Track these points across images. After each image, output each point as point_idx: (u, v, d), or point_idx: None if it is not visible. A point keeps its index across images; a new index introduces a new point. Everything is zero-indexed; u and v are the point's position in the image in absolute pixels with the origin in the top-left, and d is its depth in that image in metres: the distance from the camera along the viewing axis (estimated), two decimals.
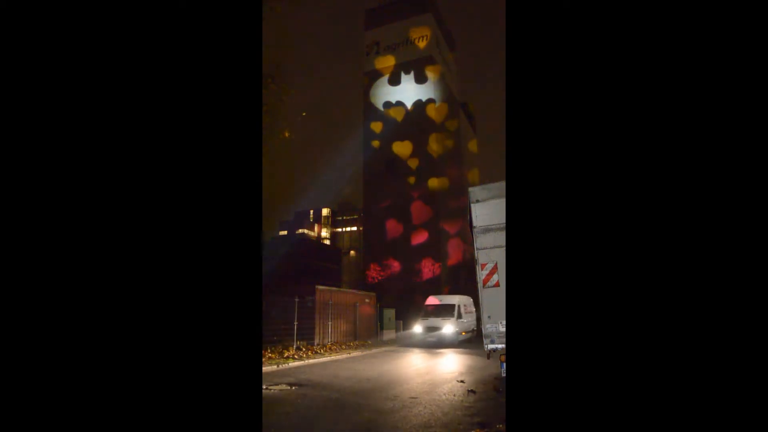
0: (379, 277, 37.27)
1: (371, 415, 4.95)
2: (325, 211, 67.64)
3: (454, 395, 6.12)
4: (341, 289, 18.76)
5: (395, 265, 38.09)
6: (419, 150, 40.13)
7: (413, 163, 40.07)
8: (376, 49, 44.43)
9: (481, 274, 6.20)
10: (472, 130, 54.63)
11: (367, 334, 17.62)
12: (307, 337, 13.49)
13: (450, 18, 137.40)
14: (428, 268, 37.03)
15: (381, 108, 42.38)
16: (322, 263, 33.43)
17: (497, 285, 6.02)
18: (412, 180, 39.77)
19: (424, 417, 4.83)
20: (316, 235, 64.72)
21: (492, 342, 6.00)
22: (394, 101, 42.43)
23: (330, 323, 15.07)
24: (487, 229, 6.27)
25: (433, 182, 39.42)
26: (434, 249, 37.70)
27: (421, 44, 42.81)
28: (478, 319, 6.31)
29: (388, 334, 19.57)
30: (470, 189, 6.78)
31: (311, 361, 10.72)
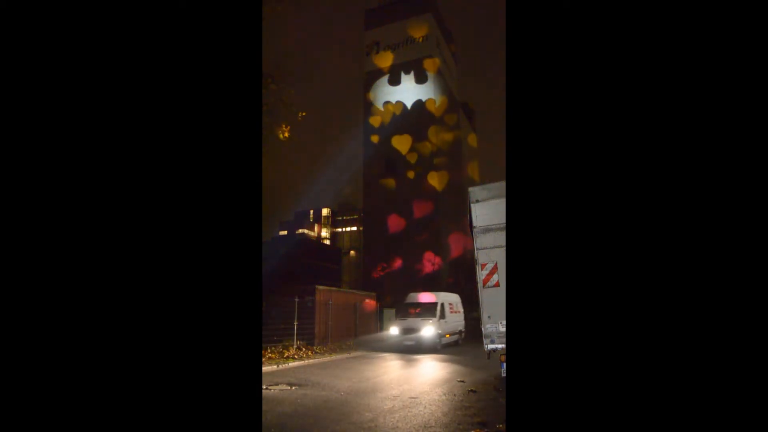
0: (383, 273, 37.13)
1: (371, 414, 4.95)
2: (325, 211, 67.64)
3: (454, 395, 6.12)
4: (341, 289, 18.77)
5: (397, 261, 38.01)
6: (418, 144, 40.13)
7: (412, 158, 40.07)
8: (376, 49, 44.44)
9: (481, 274, 6.19)
10: (472, 128, 54.64)
11: (368, 334, 17.59)
12: (307, 338, 13.49)
13: (450, 18, 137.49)
14: (429, 263, 36.97)
15: (381, 108, 42.42)
16: (322, 263, 33.43)
17: (497, 285, 6.01)
18: (411, 174, 39.75)
19: (424, 417, 4.83)
20: (316, 235, 64.71)
21: (492, 342, 5.99)
22: (394, 101, 42.46)
23: (330, 323, 15.06)
24: (487, 229, 6.26)
25: (433, 176, 39.43)
26: (435, 243, 37.66)
27: (421, 44, 42.82)
28: (478, 320, 6.09)
29: None
30: (470, 189, 6.78)
31: (311, 361, 10.72)
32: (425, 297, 15.05)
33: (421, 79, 42.14)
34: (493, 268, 6.11)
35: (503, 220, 5.92)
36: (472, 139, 54.31)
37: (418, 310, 14.27)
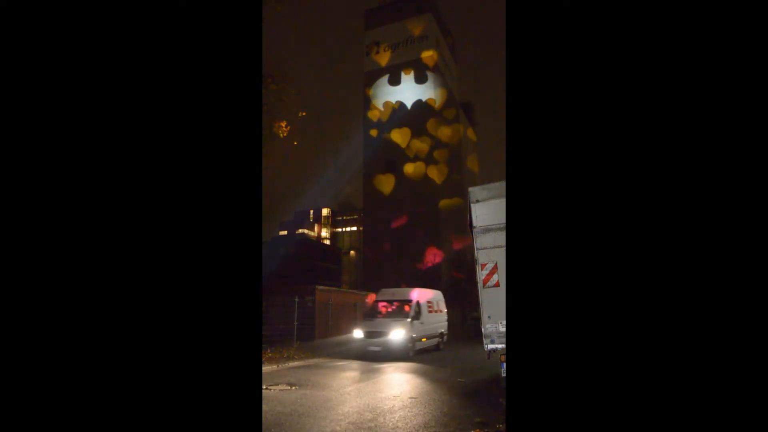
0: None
1: (371, 414, 4.96)
2: (325, 211, 67.66)
3: (454, 395, 6.12)
4: (341, 290, 18.78)
5: (397, 257, 37.90)
6: (418, 138, 40.12)
7: (411, 152, 40.07)
8: (377, 49, 44.47)
9: (481, 274, 6.19)
10: (471, 124, 54.64)
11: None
12: (307, 338, 13.50)
13: (450, 18, 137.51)
14: (431, 257, 36.95)
15: (381, 108, 42.43)
16: (322, 263, 33.46)
17: (497, 285, 6.01)
18: (410, 168, 39.74)
19: (424, 417, 4.83)
20: (316, 235, 64.71)
21: (492, 342, 5.99)
22: (394, 101, 42.48)
23: (330, 324, 15.04)
24: (487, 229, 6.26)
25: (432, 169, 39.43)
26: (435, 237, 37.62)
27: (421, 44, 42.84)
28: (481, 321, 5.83)
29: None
30: (470, 189, 6.78)
31: (311, 361, 10.72)
32: (399, 294, 13.01)
33: (421, 78, 42.18)
34: (493, 268, 6.11)
35: (503, 220, 5.91)
36: (472, 134, 54.35)
37: (390, 308, 12.26)
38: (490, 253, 6.15)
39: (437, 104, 41.29)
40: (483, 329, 6.15)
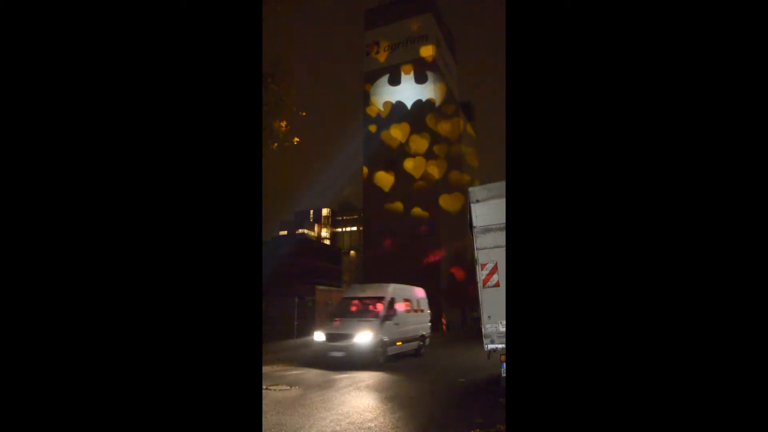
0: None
1: (371, 414, 4.96)
2: (325, 211, 67.70)
3: (454, 395, 6.13)
4: (341, 289, 18.78)
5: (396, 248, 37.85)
6: (417, 133, 40.14)
7: (410, 148, 40.08)
8: (376, 48, 44.45)
9: (481, 274, 6.20)
10: (470, 122, 54.65)
11: None
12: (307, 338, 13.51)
13: (450, 18, 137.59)
14: (430, 252, 36.92)
15: (381, 108, 42.45)
16: (322, 263, 33.49)
17: (497, 285, 6.02)
18: (410, 163, 39.73)
19: (424, 417, 4.83)
20: (316, 235, 64.75)
21: (492, 342, 6.00)
22: (394, 101, 42.49)
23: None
24: (487, 229, 6.27)
25: (432, 164, 39.45)
26: (435, 232, 37.58)
27: (421, 44, 42.84)
28: (481, 320, 5.61)
29: None
30: (470, 189, 6.79)
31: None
32: (371, 290, 11.15)
33: (421, 78, 42.17)
34: (493, 268, 6.12)
35: (503, 220, 5.92)
36: (471, 130, 54.32)
37: (361, 307, 10.49)
38: (490, 253, 6.16)
39: (437, 102, 41.30)
40: (483, 329, 6.15)
